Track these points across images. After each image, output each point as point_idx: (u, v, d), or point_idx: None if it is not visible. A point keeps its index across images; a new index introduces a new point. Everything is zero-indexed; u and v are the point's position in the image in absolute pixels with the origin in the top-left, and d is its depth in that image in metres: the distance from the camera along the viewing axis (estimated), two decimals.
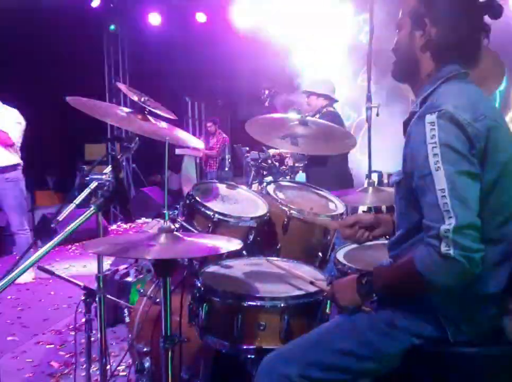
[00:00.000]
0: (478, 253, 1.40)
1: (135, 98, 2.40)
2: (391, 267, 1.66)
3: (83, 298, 2.23)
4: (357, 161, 4.89)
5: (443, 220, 1.40)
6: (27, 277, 5.23)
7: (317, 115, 4.38)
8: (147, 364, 2.37)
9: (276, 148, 4.31)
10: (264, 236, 2.56)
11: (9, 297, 4.82)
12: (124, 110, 2.40)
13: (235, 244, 1.82)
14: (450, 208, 1.40)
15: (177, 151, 9.56)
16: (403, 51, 1.69)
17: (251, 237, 2.47)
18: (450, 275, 1.42)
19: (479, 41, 1.62)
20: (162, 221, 1.78)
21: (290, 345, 1.74)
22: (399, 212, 1.69)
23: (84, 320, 2.28)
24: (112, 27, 10.18)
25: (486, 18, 1.61)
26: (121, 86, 2.91)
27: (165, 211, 1.80)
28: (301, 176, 4.64)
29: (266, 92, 5.30)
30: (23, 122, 5.53)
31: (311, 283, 1.98)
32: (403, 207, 1.64)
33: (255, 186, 3.82)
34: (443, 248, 1.39)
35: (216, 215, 2.40)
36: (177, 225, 2.32)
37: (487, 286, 1.53)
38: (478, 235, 1.40)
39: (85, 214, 1.63)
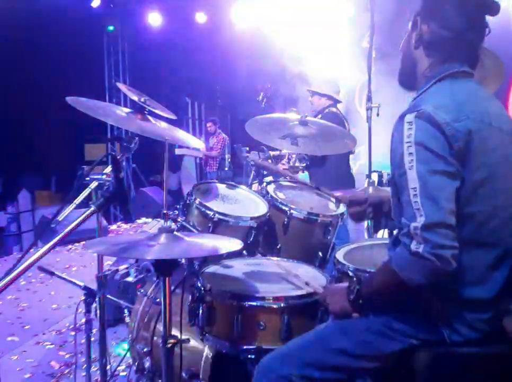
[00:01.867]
0: (448, 251, 1.39)
1: (135, 98, 2.40)
2: (375, 270, 1.66)
3: (83, 298, 2.23)
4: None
5: (414, 218, 1.41)
6: None
7: (319, 116, 4.38)
8: (147, 364, 2.37)
9: (276, 149, 4.30)
10: (264, 236, 2.56)
11: (9, 297, 4.82)
12: (124, 110, 2.39)
13: (235, 244, 1.82)
14: (420, 206, 1.40)
15: (177, 151, 9.56)
16: (403, 55, 1.71)
17: (251, 237, 2.47)
18: (421, 273, 1.42)
19: (477, 40, 1.61)
20: (162, 221, 1.78)
21: (288, 345, 1.74)
22: (394, 211, 1.69)
23: (84, 320, 2.28)
24: (111, 28, 10.17)
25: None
26: (121, 86, 2.91)
27: (164, 211, 1.80)
28: (302, 177, 4.64)
29: (262, 94, 5.31)
30: None
31: (306, 284, 1.99)
32: (394, 205, 1.65)
33: (255, 186, 3.82)
34: (413, 246, 1.40)
35: (216, 215, 2.41)
36: (177, 225, 2.32)
37: (482, 290, 1.52)
38: (450, 233, 1.40)
39: (85, 214, 1.63)
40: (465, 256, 1.48)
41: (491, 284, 1.53)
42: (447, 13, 1.57)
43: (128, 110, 2.41)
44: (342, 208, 2.73)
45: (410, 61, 1.67)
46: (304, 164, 4.34)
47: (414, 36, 1.64)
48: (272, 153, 4.32)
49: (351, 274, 1.95)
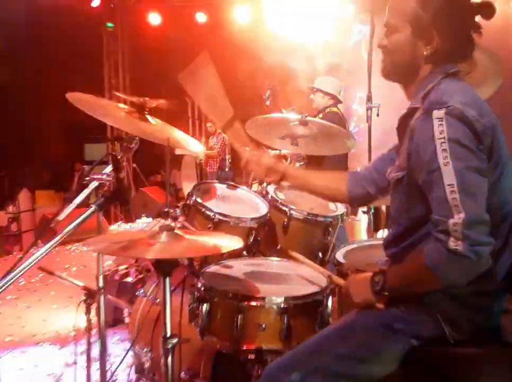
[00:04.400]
0: (487, 247, 1.40)
1: (133, 99, 2.40)
2: (403, 263, 1.62)
3: (83, 298, 2.23)
4: None
5: (452, 215, 1.40)
6: None
7: (320, 115, 4.38)
8: (147, 365, 2.38)
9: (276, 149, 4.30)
10: (264, 237, 2.56)
11: (9, 297, 4.81)
12: (123, 108, 2.39)
13: (235, 242, 1.82)
14: (459, 203, 1.40)
15: (177, 151, 9.54)
16: (403, 58, 1.64)
17: (251, 237, 2.47)
18: (459, 271, 1.43)
19: (473, 40, 1.61)
20: (163, 220, 1.78)
21: (292, 352, 1.74)
22: (396, 209, 1.68)
23: (84, 320, 2.28)
24: (110, 24, 10.11)
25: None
26: (120, 94, 2.91)
27: (166, 210, 1.79)
28: None
29: (268, 91, 5.28)
30: None
31: (329, 276, 1.98)
32: (403, 203, 1.63)
33: (255, 186, 3.82)
34: (451, 243, 1.39)
35: (216, 216, 2.40)
36: (178, 224, 2.32)
37: (485, 283, 1.52)
38: (487, 230, 1.41)
39: (85, 214, 1.63)
40: None
41: (493, 276, 1.54)
42: (455, 22, 1.57)
43: (127, 108, 2.41)
44: (342, 209, 2.73)
45: (412, 66, 1.64)
46: (302, 164, 4.33)
47: (421, 45, 1.59)
48: (272, 152, 4.31)
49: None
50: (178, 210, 2.36)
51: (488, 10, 1.59)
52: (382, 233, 3.80)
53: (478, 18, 1.60)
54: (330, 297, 2.03)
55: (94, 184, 1.95)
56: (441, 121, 1.45)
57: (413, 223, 1.59)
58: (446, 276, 1.44)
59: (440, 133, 1.44)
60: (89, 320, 2.26)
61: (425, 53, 1.60)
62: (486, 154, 1.47)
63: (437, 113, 1.46)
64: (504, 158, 1.54)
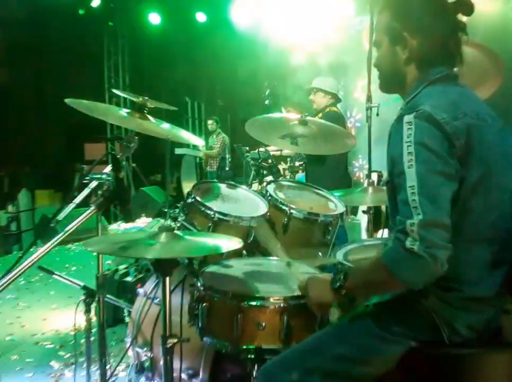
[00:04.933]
0: (443, 251, 1.38)
1: (134, 98, 2.40)
2: (365, 263, 1.66)
3: (83, 298, 2.23)
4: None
5: (411, 216, 1.40)
6: None
7: (320, 115, 4.38)
8: (146, 364, 2.37)
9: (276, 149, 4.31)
10: None
11: (8, 297, 4.82)
12: (124, 111, 2.39)
13: (235, 243, 1.82)
14: (418, 204, 1.40)
15: (177, 150, 9.55)
16: (388, 67, 1.71)
17: (251, 237, 2.47)
18: (413, 270, 1.41)
19: (459, 40, 1.64)
20: (163, 220, 1.78)
21: (290, 351, 1.74)
22: (390, 211, 1.69)
23: (83, 320, 2.28)
24: (110, 23, 10.08)
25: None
26: (118, 92, 2.91)
27: (165, 210, 1.80)
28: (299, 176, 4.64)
29: (268, 90, 5.27)
30: None
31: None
32: (393, 207, 1.64)
33: (255, 186, 3.82)
34: (408, 243, 1.39)
35: (216, 215, 2.40)
36: (177, 224, 2.32)
37: (482, 288, 1.52)
38: (445, 234, 1.39)
39: (85, 214, 1.63)
40: (464, 254, 1.48)
41: (490, 282, 1.53)
42: (430, 23, 1.60)
43: (127, 110, 2.41)
44: (342, 208, 2.73)
45: (398, 73, 1.68)
46: (302, 163, 4.34)
47: (399, 50, 1.64)
48: (272, 152, 4.32)
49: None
50: (177, 210, 2.37)
51: (466, 7, 1.61)
52: (382, 233, 3.80)
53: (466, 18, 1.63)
54: None
55: (93, 184, 1.95)
56: (410, 125, 1.47)
57: None
58: (401, 275, 1.43)
59: (408, 137, 1.46)
60: (89, 320, 2.26)
61: (404, 57, 1.64)
62: (460, 156, 1.46)
63: (407, 118, 1.49)
64: (491, 160, 1.52)
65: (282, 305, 1.88)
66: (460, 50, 1.65)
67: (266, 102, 5.26)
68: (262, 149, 4.18)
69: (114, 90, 3.18)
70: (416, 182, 1.42)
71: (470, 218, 1.50)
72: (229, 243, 1.86)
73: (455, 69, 1.67)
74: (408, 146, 1.45)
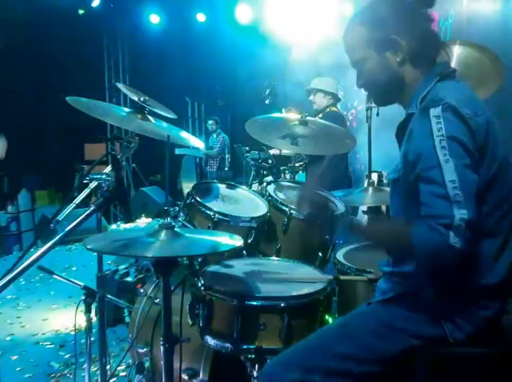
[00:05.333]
0: (470, 249, 1.40)
1: (135, 98, 2.40)
2: (389, 227, 1.64)
3: (83, 298, 2.23)
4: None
5: (451, 210, 1.39)
6: None
7: (320, 115, 4.39)
8: (147, 364, 2.37)
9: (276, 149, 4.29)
10: (264, 236, 2.56)
11: (9, 297, 4.82)
12: (124, 109, 2.39)
13: (236, 241, 1.82)
14: (462, 200, 1.39)
15: (177, 151, 9.55)
16: (382, 76, 1.68)
17: (251, 237, 2.47)
18: (443, 263, 1.42)
19: (432, 32, 1.68)
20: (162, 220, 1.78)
21: (291, 350, 1.74)
22: (396, 210, 1.69)
23: (83, 320, 2.28)
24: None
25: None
26: (121, 86, 2.91)
27: (165, 208, 1.79)
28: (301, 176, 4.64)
29: (268, 90, 5.29)
30: None
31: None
32: (401, 204, 1.64)
33: (255, 186, 3.82)
34: (452, 238, 1.38)
35: (216, 215, 2.40)
36: (177, 223, 2.32)
37: (486, 279, 1.53)
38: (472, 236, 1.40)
39: (84, 214, 1.63)
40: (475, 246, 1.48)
41: (494, 274, 1.53)
42: (413, 21, 1.63)
43: (128, 109, 2.41)
44: (342, 208, 2.72)
45: (397, 79, 1.67)
46: (302, 163, 4.34)
47: (391, 56, 1.64)
48: (272, 152, 4.32)
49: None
50: (177, 210, 2.37)
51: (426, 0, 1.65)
52: None
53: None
54: (330, 297, 2.03)
55: (93, 184, 1.95)
56: (439, 118, 1.46)
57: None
58: (427, 262, 1.45)
59: (438, 131, 1.45)
60: (89, 320, 2.26)
61: (398, 59, 1.64)
62: (479, 153, 1.47)
63: (434, 111, 1.47)
64: (500, 156, 1.53)
65: (282, 305, 1.88)
66: (439, 43, 1.67)
67: (266, 101, 5.28)
68: (274, 151, 4.20)
69: (118, 84, 3.17)
70: (457, 177, 1.41)
71: (481, 212, 1.48)
72: (230, 241, 1.86)
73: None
74: (441, 140, 1.44)
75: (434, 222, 1.41)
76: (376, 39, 1.64)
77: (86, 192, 1.96)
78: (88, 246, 1.68)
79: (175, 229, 1.77)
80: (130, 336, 2.57)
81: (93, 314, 2.28)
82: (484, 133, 1.48)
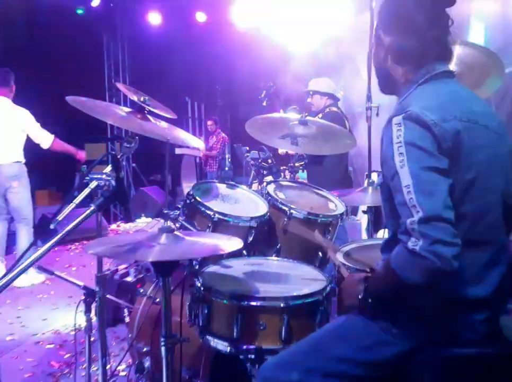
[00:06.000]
0: (448, 248, 1.35)
1: (134, 98, 2.40)
2: (380, 268, 1.64)
3: (83, 298, 2.23)
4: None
5: (411, 216, 1.39)
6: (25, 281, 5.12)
7: (320, 115, 4.39)
8: (147, 364, 2.38)
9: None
10: (264, 236, 2.56)
11: (8, 300, 4.81)
12: (124, 110, 2.39)
13: (235, 243, 1.82)
14: (415, 202, 1.38)
15: (177, 151, 9.56)
16: (376, 67, 1.76)
17: (251, 237, 2.47)
18: (419, 272, 1.40)
19: (443, 34, 1.61)
20: (162, 221, 1.78)
21: (289, 351, 1.74)
22: (385, 214, 1.68)
23: (83, 320, 2.28)
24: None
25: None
26: (120, 86, 2.91)
27: (165, 211, 1.79)
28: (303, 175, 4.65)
29: (264, 92, 5.30)
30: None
31: (339, 267, 1.96)
32: (387, 209, 1.64)
33: (255, 186, 3.82)
34: (410, 244, 1.38)
35: (216, 215, 2.40)
36: (177, 225, 2.32)
37: (479, 289, 1.52)
38: (449, 229, 1.37)
39: (84, 214, 1.63)
40: (461, 256, 1.48)
41: (487, 283, 1.53)
42: (406, 17, 1.60)
43: (127, 109, 2.41)
44: (342, 208, 2.73)
45: (385, 73, 1.71)
46: (302, 163, 4.34)
47: (381, 51, 1.68)
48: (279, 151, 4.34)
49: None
50: (177, 211, 2.37)
51: None
52: (383, 233, 3.80)
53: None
54: (330, 297, 2.03)
55: (93, 184, 1.95)
56: (399, 126, 1.47)
57: (397, 228, 1.58)
58: (407, 277, 1.43)
59: (397, 138, 1.46)
60: (89, 320, 2.26)
61: (382, 55, 1.68)
62: (448, 157, 1.44)
63: (396, 119, 1.49)
64: (484, 161, 1.51)
65: (282, 305, 1.88)
66: (447, 44, 1.63)
67: (264, 103, 5.29)
68: (282, 151, 4.19)
69: (118, 84, 3.17)
70: (411, 181, 1.41)
71: (464, 221, 1.47)
72: (229, 243, 1.86)
73: (452, 68, 1.66)
74: (399, 146, 1.45)
75: (398, 233, 1.43)
76: (375, 31, 1.70)
77: (86, 192, 1.95)
78: (90, 252, 1.69)
79: (175, 232, 1.77)
80: (130, 336, 2.58)
81: (92, 314, 2.28)
82: (451, 138, 1.46)
